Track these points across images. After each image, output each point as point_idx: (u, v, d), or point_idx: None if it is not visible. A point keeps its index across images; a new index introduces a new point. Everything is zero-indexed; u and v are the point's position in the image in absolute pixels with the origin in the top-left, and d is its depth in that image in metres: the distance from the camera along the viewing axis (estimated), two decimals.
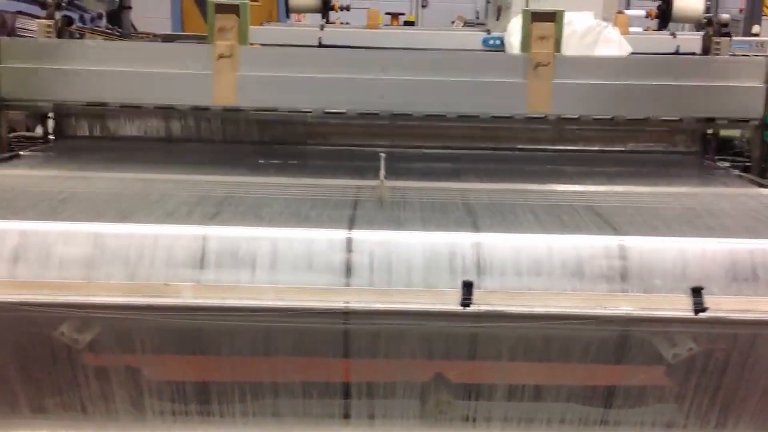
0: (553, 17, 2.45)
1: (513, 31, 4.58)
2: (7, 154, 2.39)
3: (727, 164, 2.58)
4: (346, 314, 1.74)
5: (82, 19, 4.10)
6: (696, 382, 1.91)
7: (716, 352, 1.87)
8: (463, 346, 1.94)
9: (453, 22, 8.45)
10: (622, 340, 1.92)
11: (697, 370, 1.88)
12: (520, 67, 2.42)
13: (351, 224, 1.83)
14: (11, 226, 1.73)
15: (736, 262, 1.74)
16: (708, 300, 1.67)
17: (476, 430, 1.98)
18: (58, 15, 2.53)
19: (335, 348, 1.89)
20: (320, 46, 4.30)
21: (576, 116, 2.53)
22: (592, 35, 3.66)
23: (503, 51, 4.29)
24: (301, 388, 1.92)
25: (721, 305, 1.68)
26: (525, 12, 2.53)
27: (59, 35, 2.53)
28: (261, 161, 2.49)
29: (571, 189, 2.22)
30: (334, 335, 1.88)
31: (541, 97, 2.43)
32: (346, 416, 1.96)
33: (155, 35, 5.94)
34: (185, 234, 1.76)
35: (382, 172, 2.09)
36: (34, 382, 1.93)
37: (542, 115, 2.49)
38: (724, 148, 2.75)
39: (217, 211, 1.88)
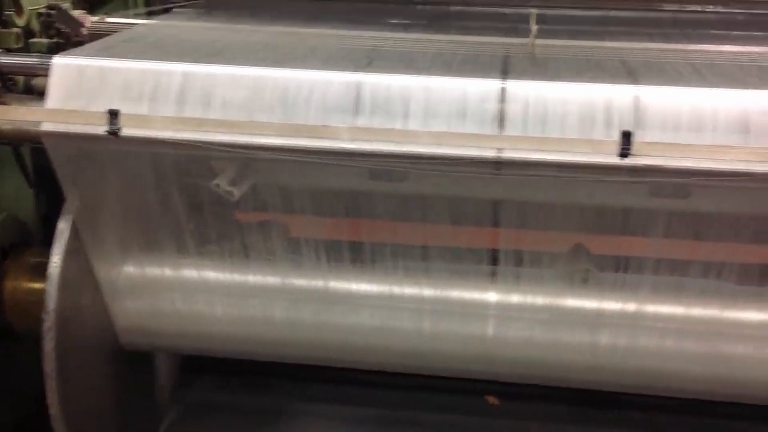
0: None
1: None
2: (159, 7, 2.47)
3: None
4: (499, 163, 1.73)
5: None
6: None
7: None
8: (614, 216, 1.93)
9: None
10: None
11: None
12: None
13: (504, 75, 1.80)
14: (175, 67, 1.79)
15: None
16: None
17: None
18: None
19: (485, 216, 1.91)
20: None
21: None
22: None
23: None
24: (451, 252, 1.97)
25: None
26: None
27: None
28: (406, 21, 2.47)
29: (733, 50, 2.09)
30: (485, 205, 1.89)
31: None
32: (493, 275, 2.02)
33: None
34: (340, 80, 1.77)
35: (534, 27, 2.04)
36: (198, 228, 2.05)
37: None
38: None
39: (369, 61, 1.89)
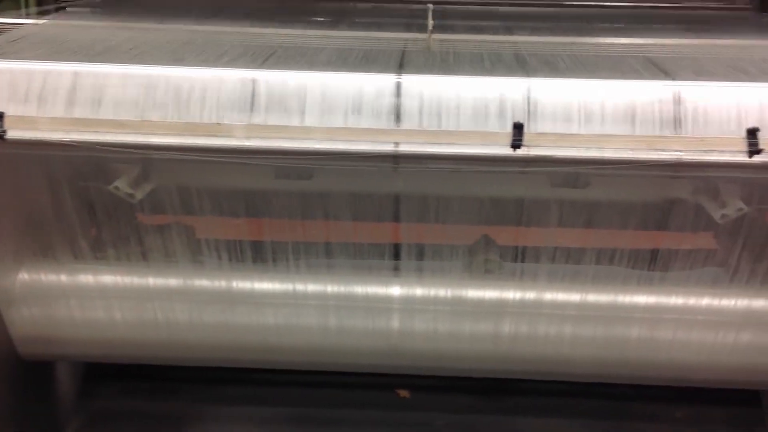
0: None
1: None
2: (53, 6, 2.40)
3: None
4: (396, 157, 1.74)
5: None
6: (741, 240, 1.92)
7: (762, 206, 1.87)
8: (515, 207, 1.97)
9: None
10: (669, 204, 1.93)
11: (743, 228, 1.88)
12: None
13: (400, 70, 1.82)
14: (65, 67, 1.74)
15: None
16: (763, 141, 1.65)
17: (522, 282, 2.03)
18: None
19: (386, 211, 1.92)
20: None
21: None
22: None
23: None
24: (353, 247, 1.99)
25: None
26: None
27: None
28: (307, 17, 2.47)
29: (622, 42, 2.16)
30: (386, 200, 1.90)
31: None
32: (396, 269, 2.03)
33: None
34: (235, 77, 1.75)
35: (430, 22, 2.06)
36: (96, 232, 2.00)
37: None
38: None
39: (266, 57, 1.87)
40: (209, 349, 2.11)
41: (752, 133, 1.65)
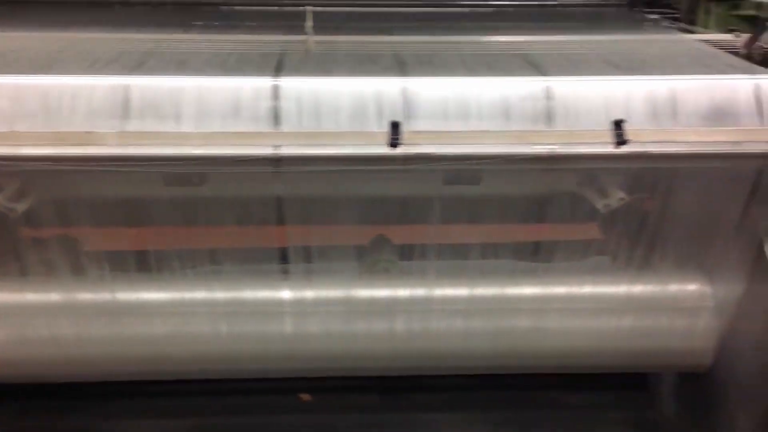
0: None
1: None
2: None
3: (656, 16, 2.59)
4: (277, 161, 1.73)
5: None
6: (622, 228, 1.98)
7: (640, 195, 1.94)
8: (399, 207, 1.98)
9: None
10: (554, 196, 1.98)
11: (624, 216, 1.94)
12: None
13: (278, 72, 1.81)
14: None
15: (656, 98, 1.77)
16: (629, 132, 1.70)
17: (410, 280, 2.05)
18: None
19: (271, 214, 1.91)
20: None
21: None
22: None
23: None
24: (240, 253, 1.96)
25: (641, 137, 1.71)
26: None
27: None
28: (186, 21, 2.43)
29: (500, 39, 2.21)
30: (270, 203, 1.90)
31: None
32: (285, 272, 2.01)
33: None
34: (106, 84, 1.72)
35: (309, 23, 2.06)
36: None
37: None
38: (654, 1, 2.75)
39: (140, 63, 1.84)
40: (99, 363, 2.06)
41: (618, 124, 1.70)
